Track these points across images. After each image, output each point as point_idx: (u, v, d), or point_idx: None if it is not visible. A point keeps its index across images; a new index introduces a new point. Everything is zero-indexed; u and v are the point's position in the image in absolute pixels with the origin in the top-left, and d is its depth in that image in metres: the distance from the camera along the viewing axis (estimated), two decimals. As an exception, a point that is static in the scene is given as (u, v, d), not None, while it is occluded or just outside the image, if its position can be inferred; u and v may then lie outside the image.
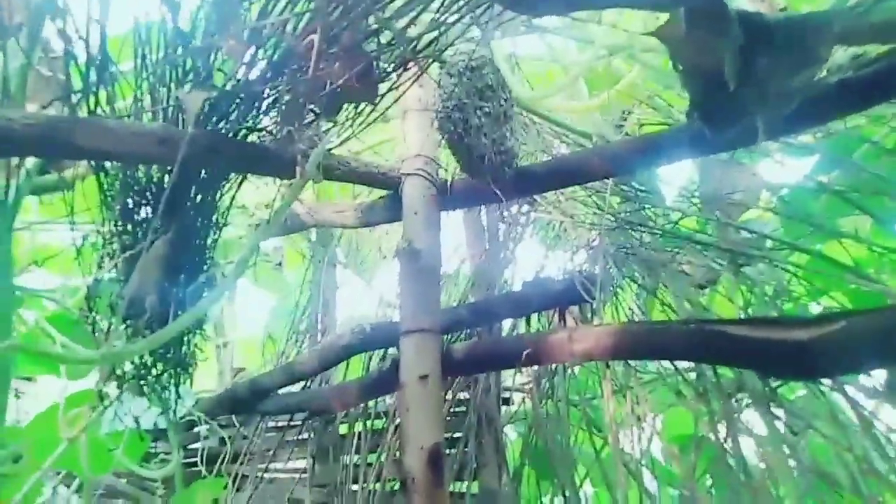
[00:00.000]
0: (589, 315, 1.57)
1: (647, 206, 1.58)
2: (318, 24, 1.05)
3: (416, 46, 1.09)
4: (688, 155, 1.21)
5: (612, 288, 1.55)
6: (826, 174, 1.73)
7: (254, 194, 1.93)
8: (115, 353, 1.13)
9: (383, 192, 1.50)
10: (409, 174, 1.40)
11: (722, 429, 1.37)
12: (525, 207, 1.85)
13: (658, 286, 1.64)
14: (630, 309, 1.62)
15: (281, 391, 1.76)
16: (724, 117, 0.90)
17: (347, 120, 1.25)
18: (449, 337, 1.61)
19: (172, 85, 1.14)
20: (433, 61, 1.21)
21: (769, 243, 1.64)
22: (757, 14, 0.79)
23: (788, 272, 1.56)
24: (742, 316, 1.61)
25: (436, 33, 1.10)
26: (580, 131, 1.49)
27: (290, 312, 2.22)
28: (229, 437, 1.81)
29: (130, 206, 1.24)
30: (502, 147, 1.25)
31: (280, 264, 2.09)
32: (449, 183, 1.42)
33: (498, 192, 1.25)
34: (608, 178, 1.46)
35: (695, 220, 1.68)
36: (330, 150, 1.33)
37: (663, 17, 0.79)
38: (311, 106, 1.19)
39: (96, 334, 1.27)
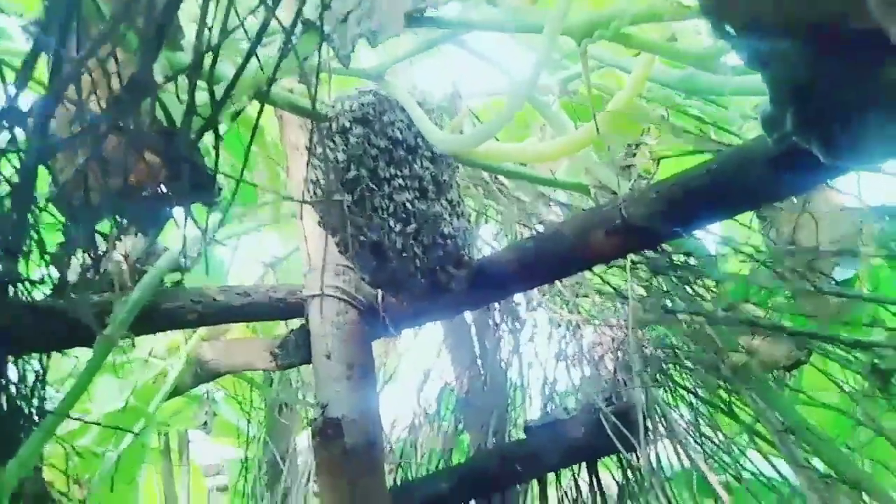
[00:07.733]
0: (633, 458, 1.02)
1: (691, 277, 1.05)
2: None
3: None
4: (766, 195, 0.69)
5: (657, 414, 1.01)
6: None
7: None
8: None
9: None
10: (312, 297, 0.90)
11: None
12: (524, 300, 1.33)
13: (722, 391, 1.10)
14: (700, 436, 1.07)
15: None
16: (848, 124, 0.40)
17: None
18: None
19: None
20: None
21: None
22: None
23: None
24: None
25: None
26: (572, 183, 0.98)
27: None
28: None
29: None
30: (437, 235, 0.75)
31: (206, 424, 1.57)
32: (379, 299, 0.92)
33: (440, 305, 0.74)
34: (627, 256, 0.95)
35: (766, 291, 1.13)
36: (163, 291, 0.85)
37: None
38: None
39: None
